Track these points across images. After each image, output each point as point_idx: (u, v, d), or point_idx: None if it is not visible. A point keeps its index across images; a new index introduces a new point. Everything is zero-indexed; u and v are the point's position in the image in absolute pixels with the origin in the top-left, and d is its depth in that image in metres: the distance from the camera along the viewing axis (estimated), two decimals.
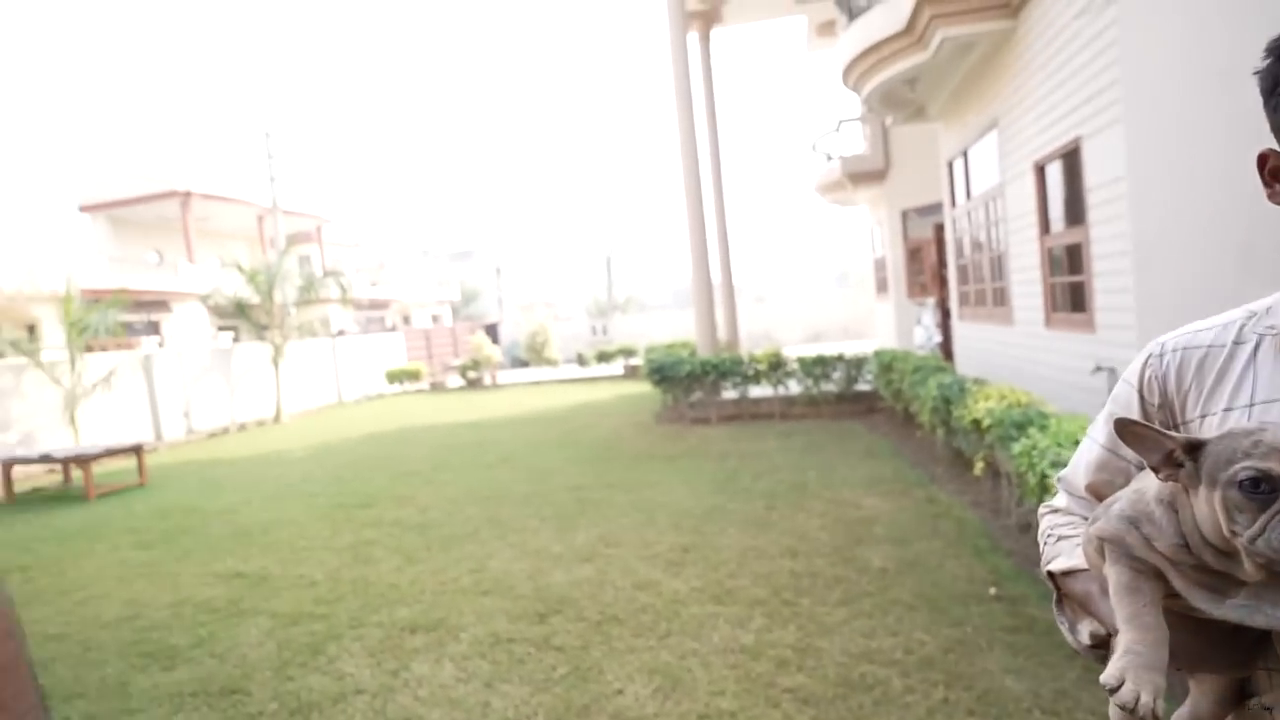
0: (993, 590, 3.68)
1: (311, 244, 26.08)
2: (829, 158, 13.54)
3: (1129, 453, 0.81)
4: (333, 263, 26.02)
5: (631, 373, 18.10)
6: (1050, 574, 0.89)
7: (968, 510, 4.97)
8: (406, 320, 30.49)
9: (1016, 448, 3.84)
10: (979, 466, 4.88)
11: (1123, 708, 0.68)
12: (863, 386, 9.46)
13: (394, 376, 18.77)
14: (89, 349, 11.62)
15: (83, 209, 21.50)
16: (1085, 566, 0.86)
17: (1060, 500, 0.99)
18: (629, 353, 18.49)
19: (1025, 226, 6.27)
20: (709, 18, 12.94)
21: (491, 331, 24.47)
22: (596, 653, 3.32)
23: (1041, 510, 1.02)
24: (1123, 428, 0.75)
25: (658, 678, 3.06)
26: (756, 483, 6.19)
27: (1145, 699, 0.67)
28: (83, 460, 7.95)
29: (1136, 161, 4.13)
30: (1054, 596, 0.91)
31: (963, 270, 8.52)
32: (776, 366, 9.46)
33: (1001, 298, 7.12)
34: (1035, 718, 2.55)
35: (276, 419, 14.49)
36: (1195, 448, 0.73)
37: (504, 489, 6.67)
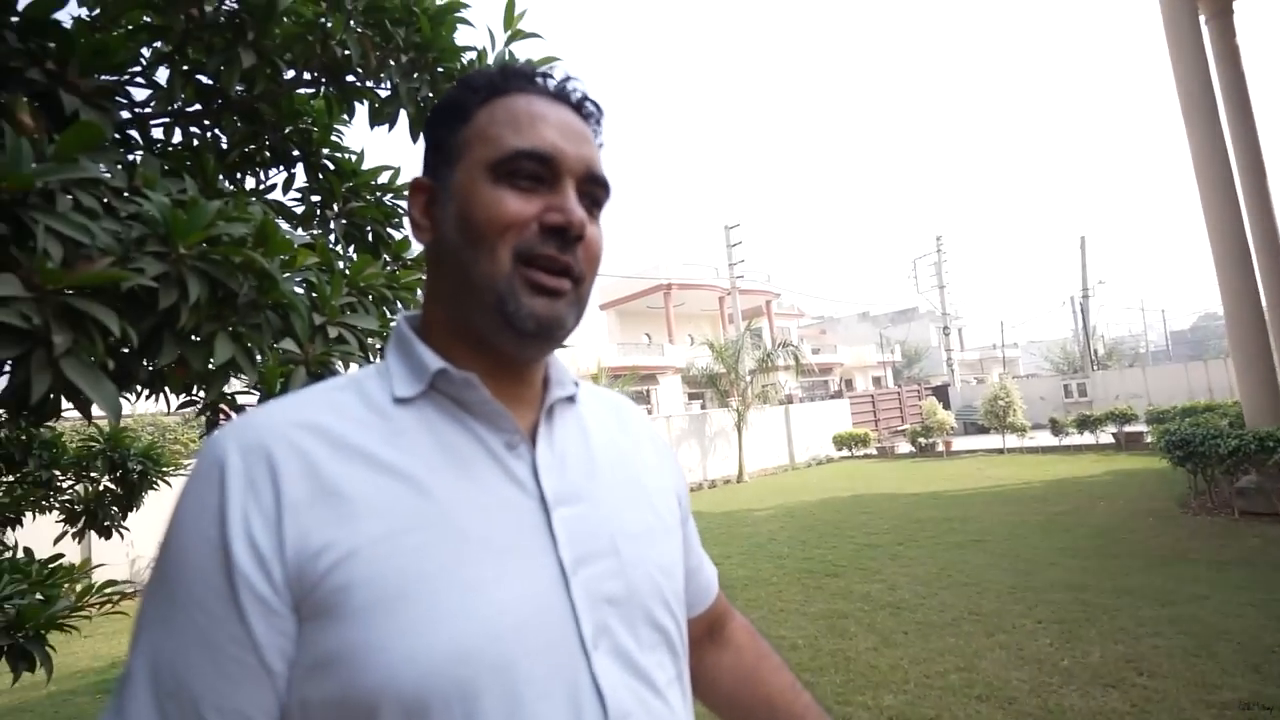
0: None
1: (761, 317, 28.83)
2: None
3: None
4: (780, 333, 28.22)
5: (1128, 442, 14.67)
6: None
7: None
8: (849, 384, 30.86)
9: None
10: None
11: None
12: None
13: (841, 441, 19.03)
14: None
15: (601, 307, 28.14)
16: None
17: None
18: (1123, 418, 15.02)
19: None
20: None
21: (940, 393, 22.92)
22: None
23: None
24: None
25: None
26: None
27: None
28: None
29: None
30: None
31: None
32: None
33: None
34: None
35: (739, 479, 16.08)
36: None
37: (982, 576, 5.97)
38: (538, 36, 1.71)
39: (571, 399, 0.71)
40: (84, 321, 0.92)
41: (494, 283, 0.60)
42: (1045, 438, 16.70)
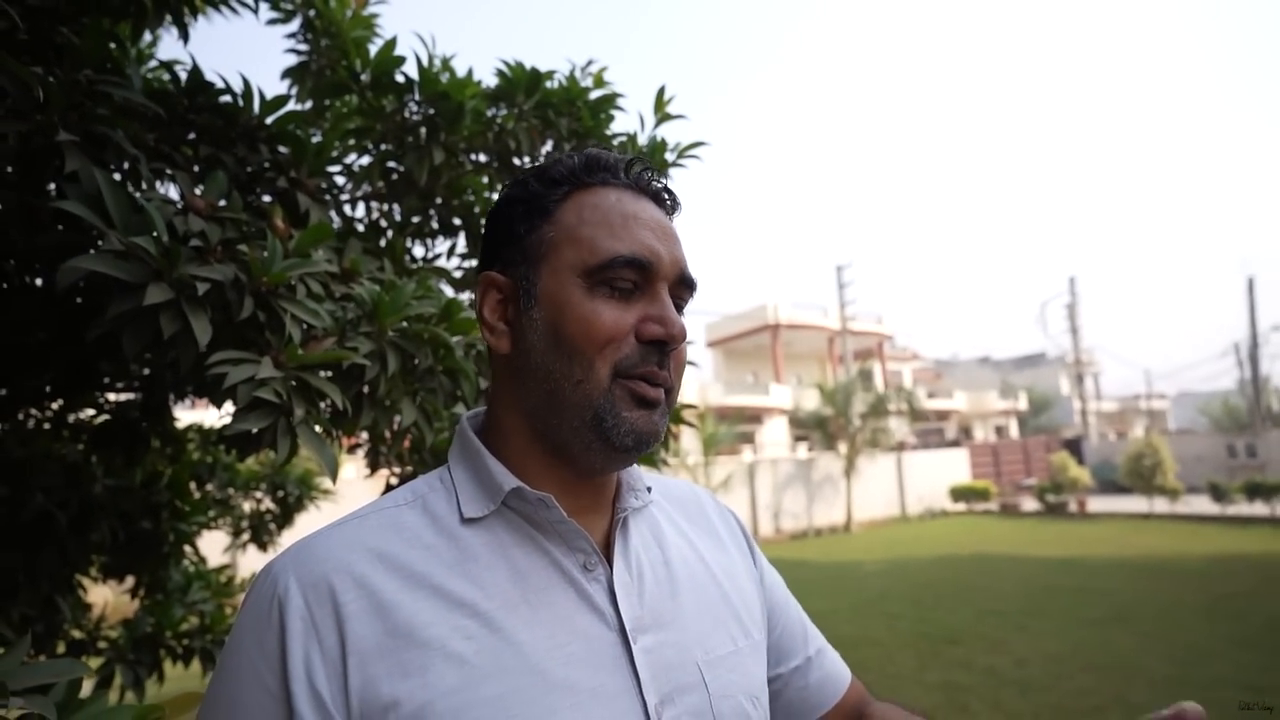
0: None
1: (873, 359, 27.82)
2: None
3: None
4: (892, 376, 27.08)
5: None
6: None
7: None
8: (967, 432, 29.03)
9: None
10: None
11: None
12: None
13: (959, 494, 17.88)
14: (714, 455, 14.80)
15: (708, 345, 28.18)
16: None
17: None
18: None
19: None
20: None
21: (1073, 447, 21.08)
22: None
23: None
24: None
25: None
26: None
27: None
28: None
29: None
30: None
31: None
32: None
33: None
34: None
35: (847, 528, 15.43)
36: None
37: (1127, 659, 5.40)
38: (684, 118, 1.82)
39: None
40: (312, 393, 1.09)
41: (591, 399, 0.57)
42: (1203, 504, 14.89)
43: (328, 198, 1.79)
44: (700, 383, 21.48)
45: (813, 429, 17.60)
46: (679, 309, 0.63)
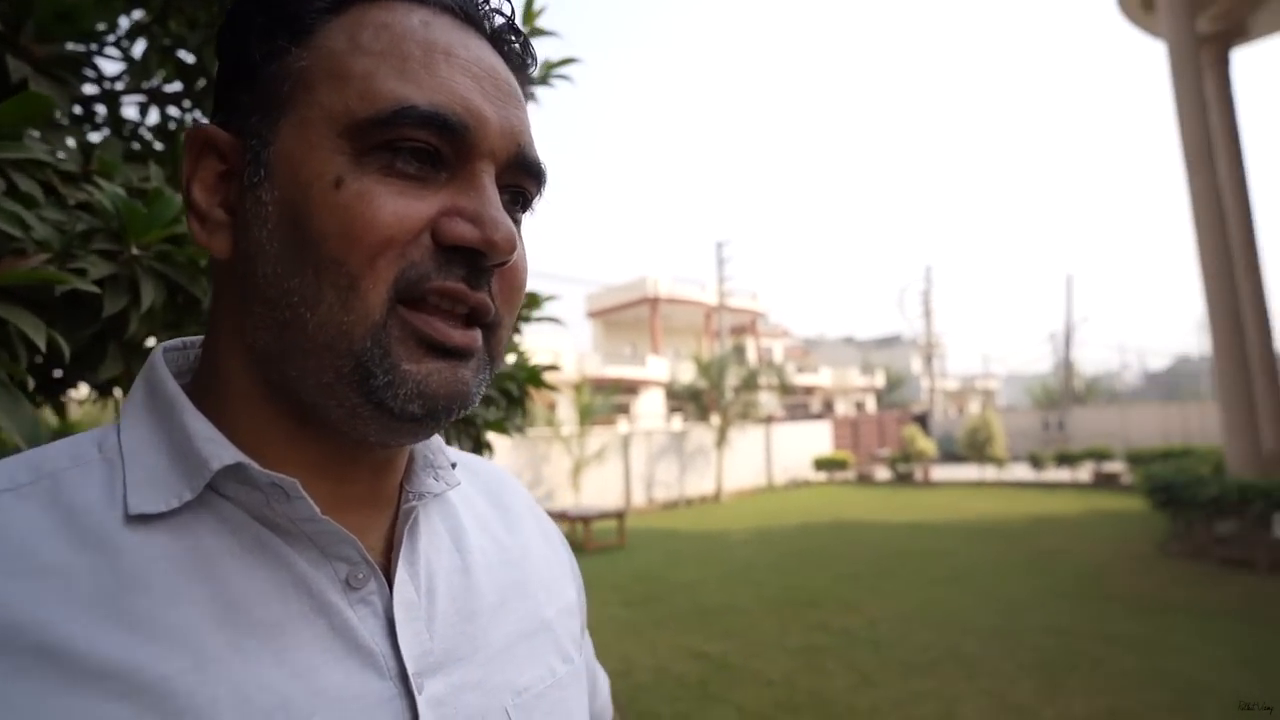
0: None
1: (747, 335, 28.85)
2: None
3: None
4: (764, 351, 28.24)
5: (1105, 482, 14.76)
6: None
7: None
8: (830, 407, 30.94)
9: None
10: None
11: None
12: None
13: (821, 464, 19.00)
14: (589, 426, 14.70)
15: (589, 315, 28.01)
16: None
17: None
18: (1101, 456, 15.14)
19: None
20: (1225, 38, 10.35)
21: (922, 421, 23.02)
22: None
23: None
24: None
25: None
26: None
27: None
28: (586, 519, 9.90)
29: None
30: None
31: None
32: None
33: None
34: None
35: (717, 498, 15.96)
36: None
37: (962, 615, 5.88)
38: (555, 35, 1.58)
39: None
40: (4, 330, 0.77)
41: (352, 341, 0.36)
42: (1023, 472, 16.78)
43: (93, 90, 1.39)
44: (579, 352, 21.31)
45: (687, 401, 17.98)
46: (520, 210, 0.43)
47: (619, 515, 10.28)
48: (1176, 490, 7.59)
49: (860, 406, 32.25)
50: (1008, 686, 4.33)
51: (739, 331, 28.56)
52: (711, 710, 4.17)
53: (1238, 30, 10.38)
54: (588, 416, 13.71)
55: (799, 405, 29.73)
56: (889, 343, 43.70)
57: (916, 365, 38.18)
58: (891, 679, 4.52)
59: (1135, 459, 13.93)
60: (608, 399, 15.71)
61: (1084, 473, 15.59)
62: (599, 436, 14.64)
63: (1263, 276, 9.73)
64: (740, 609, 6.36)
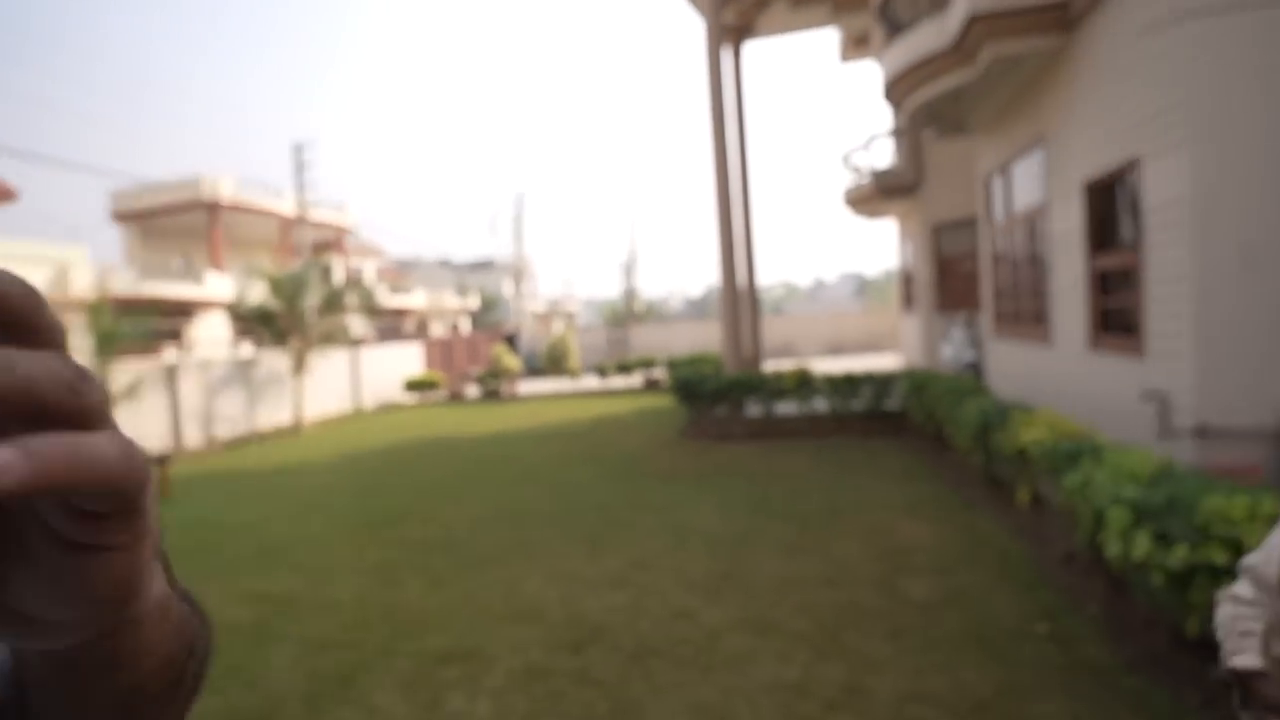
0: (1043, 627, 3.52)
1: (334, 252, 26.31)
2: (858, 170, 13.41)
3: None
4: (354, 271, 26.23)
5: (653, 385, 17.99)
6: (1234, 670, 0.83)
7: (1011, 540, 4.80)
8: (424, 328, 30.61)
9: (1069, 481, 3.68)
10: (1024, 495, 4.72)
11: None
12: (890, 405, 9.29)
13: (413, 386, 18.80)
14: (115, 357, 11.70)
15: (117, 217, 21.87)
16: (1267, 670, 0.81)
17: (1243, 590, 0.92)
18: (649, 365, 18.39)
19: (1071, 245, 6.09)
20: (741, 30, 12.91)
21: (511, 340, 24.49)
22: (637, 688, 3.20)
23: (1221, 596, 0.96)
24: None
25: (703, 717, 2.94)
26: (790, 505, 6.05)
27: None
28: None
29: (1202, 184, 3.97)
30: (1238, 695, 0.86)
31: (999, 287, 8.33)
32: (803, 384, 9.31)
33: (1041, 317, 6.93)
34: None
35: (297, 429, 14.53)
36: None
37: (531, 507, 6.57)
38: None
39: None
40: None
41: None
42: (593, 382, 19.37)
43: None
44: (101, 265, 16.62)
45: (259, 325, 15.69)
46: None
47: (161, 461, 8.55)
48: (691, 387, 9.69)
49: (455, 328, 32.75)
50: (560, 558, 5.03)
51: (324, 249, 25.85)
52: (269, 651, 3.85)
53: (750, 27, 13.06)
54: (110, 345, 10.87)
55: (392, 328, 28.69)
56: (484, 266, 45.02)
57: (509, 288, 40.35)
58: (463, 577, 4.82)
59: (672, 365, 17.31)
60: (144, 322, 12.65)
61: (638, 379, 18.74)
62: (132, 369, 11.79)
63: (752, 222, 12.80)
64: (312, 540, 5.97)
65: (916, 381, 8.24)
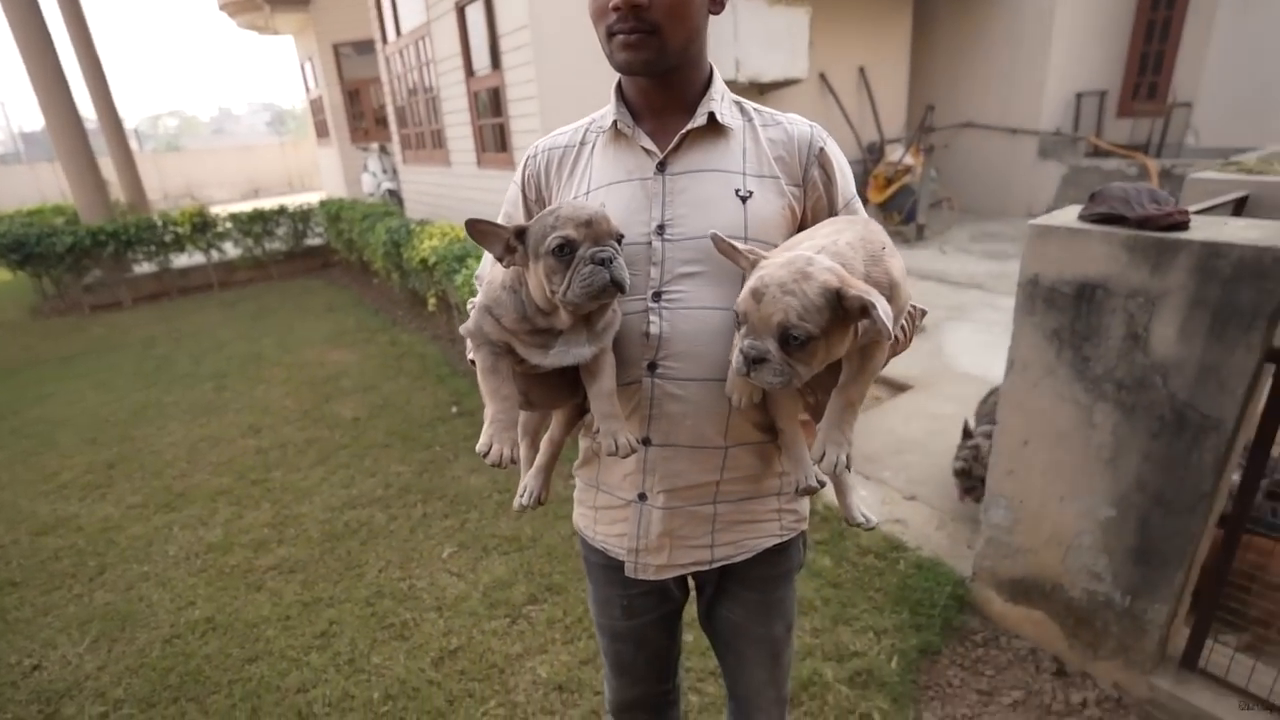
0: (454, 409, 4.06)
1: None
2: None
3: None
4: None
5: None
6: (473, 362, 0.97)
7: (428, 345, 5.27)
8: None
9: (458, 279, 4.14)
10: (432, 302, 5.15)
11: (494, 465, 0.84)
12: (313, 241, 8.78)
13: None
14: None
15: None
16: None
17: (480, 297, 1.08)
18: None
19: (452, 69, 6.41)
20: None
21: None
22: None
23: (470, 308, 1.12)
24: (470, 226, 0.84)
25: (94, 625, 2.46)
26: (199, 365, 5.27)
27: (507, 453, 0.85)
28: None
29: (538, 13, 4.53)
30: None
31: (401, 113, 8.36)
32: (204, 228, 7.91)
33: (439, 140, 7.31)
34: (495, 500, 3.00)
35: None
36: (522, 233, 0.86)
37: None
38: None
39: None
40: None
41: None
42: None
43: None
44: None
45: None
46: None
47: None
48: (31, 247, 7.16)
49: None
50: None
51: None
52: None
53: None
54: None
55: None
56: None
57: None
58: None
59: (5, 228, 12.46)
60: None
61: None
62: None
63: (89, 31, 9.50)
64: None
65: (331, 211, 7.89)
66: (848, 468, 0.86)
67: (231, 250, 8.39)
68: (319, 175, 15.96)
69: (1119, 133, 7.66)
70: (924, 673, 1.98)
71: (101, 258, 7.51)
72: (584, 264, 0.81)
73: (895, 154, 7.01)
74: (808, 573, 2.36)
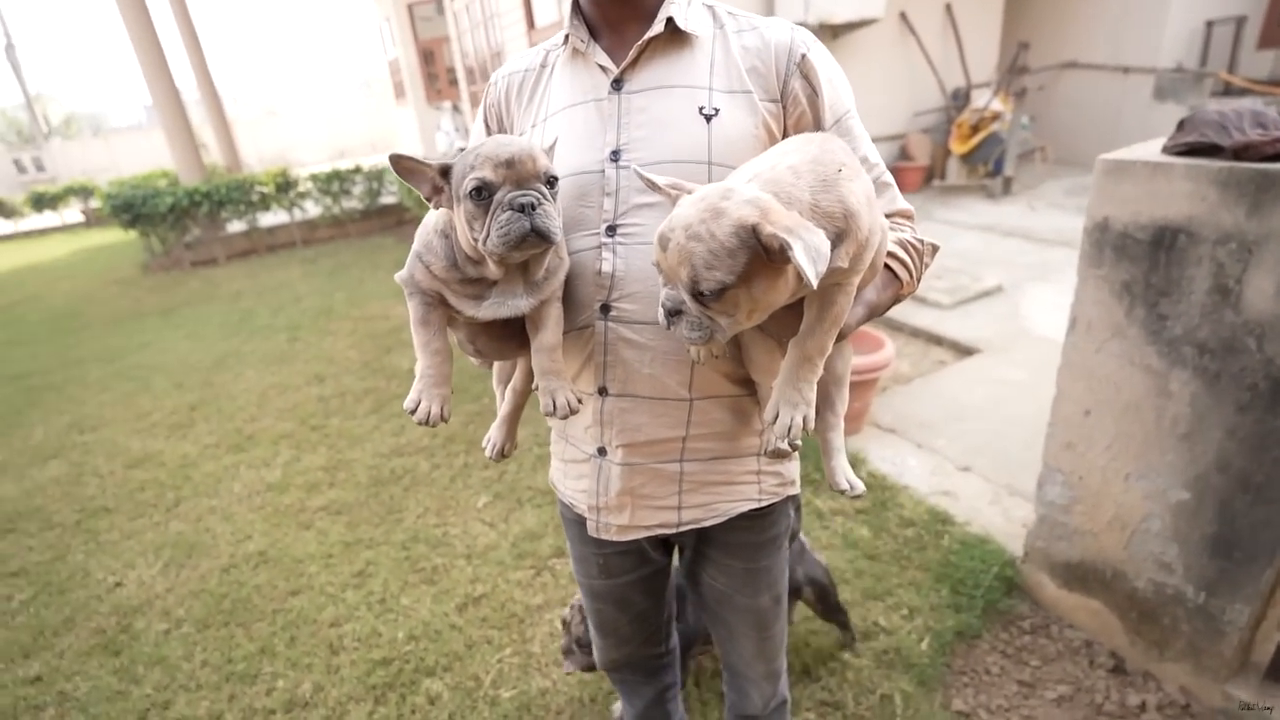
0: None
1: None
2: None
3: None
4: None
5: (98, 219, 13.95)
6: None
7: None
8: None
9: None
10: None
11: (420, 423, 0.78)
12: (388, 200, 9.03)
13: None
14: None
15: None
16: None
17: (415, 242, 1.03)
18: (85, 191, 14.00)
19: (514, 23, 6.34)
20: None
21: None
22: (77, 557, 2.69)
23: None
24: (395, 163, 0.76)
25: (167, 551, 2.65)
26: (276, 317, 5.55)
27: (435, 411, 0.79)
28: None
29: None
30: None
31: (470, 70, 8.40)
32: (287, 188, 8.27)
33: None
34: (535, 453, 3.01)
35: None
36: (446, 171, 0.76)
37: None
38: None
39: None
40: None
41: None
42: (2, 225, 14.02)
43: None
44: None
45: None
46: None
47: None
48: (138, 207, 7.70)
49: None
50: None
51: None
52: None
53: None
54: None
55: None
56: None
57: None
58: None
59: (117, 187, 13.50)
60: None
61: (75, 213, 14.22)
62: None
63: (189, 12, 9.97)
64: None
65: None
66: (805, 431, 0.75)
67: (312, 209, 8.75)
68: (398, 135, 16.37)
69: (1259, 67, 6.67)
70: (959, 657, 1.84)
71: (198, 217, 8.00)
72: (502, 210, 0.72)
73: (982, 99, 6.45)
74: (843, 543, 2.24)
